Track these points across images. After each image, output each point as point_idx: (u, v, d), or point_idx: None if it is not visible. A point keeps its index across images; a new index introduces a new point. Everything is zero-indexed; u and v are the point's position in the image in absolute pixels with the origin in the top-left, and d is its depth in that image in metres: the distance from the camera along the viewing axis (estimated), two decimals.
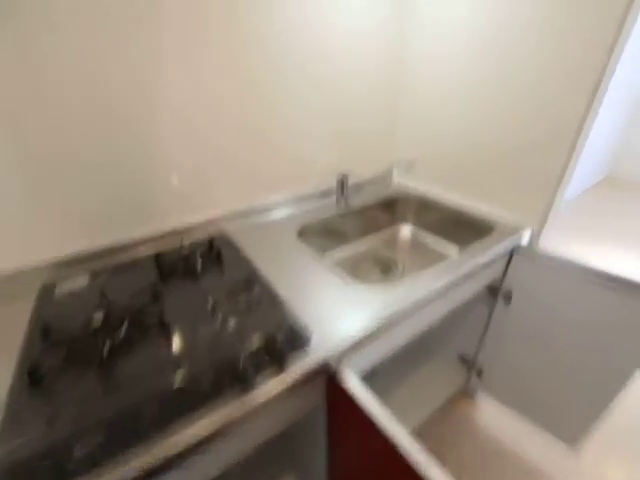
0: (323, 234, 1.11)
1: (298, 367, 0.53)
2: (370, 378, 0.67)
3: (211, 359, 0.52)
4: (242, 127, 0.92)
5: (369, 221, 1.22)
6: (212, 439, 0.45)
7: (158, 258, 0.78)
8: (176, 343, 0.56)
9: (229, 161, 0.94)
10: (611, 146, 1.74)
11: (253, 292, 0.68)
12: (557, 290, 0.94)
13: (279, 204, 1.08)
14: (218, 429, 0.46)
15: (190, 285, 0.73)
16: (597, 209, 1.30)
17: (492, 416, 1.30)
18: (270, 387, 0.50)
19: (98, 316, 0.59)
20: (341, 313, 0.65)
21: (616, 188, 1.65)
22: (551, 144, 0.87)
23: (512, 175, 0.99)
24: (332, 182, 1.15)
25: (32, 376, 0.49)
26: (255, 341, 0.54)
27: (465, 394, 1.37)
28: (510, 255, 1.00)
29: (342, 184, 1.13)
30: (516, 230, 0.96)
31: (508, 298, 1.05)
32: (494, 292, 1.07)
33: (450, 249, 1.14)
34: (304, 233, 1.01)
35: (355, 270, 1.09)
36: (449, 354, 1.34)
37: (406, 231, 1.28)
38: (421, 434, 1.16)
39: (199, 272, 0.76)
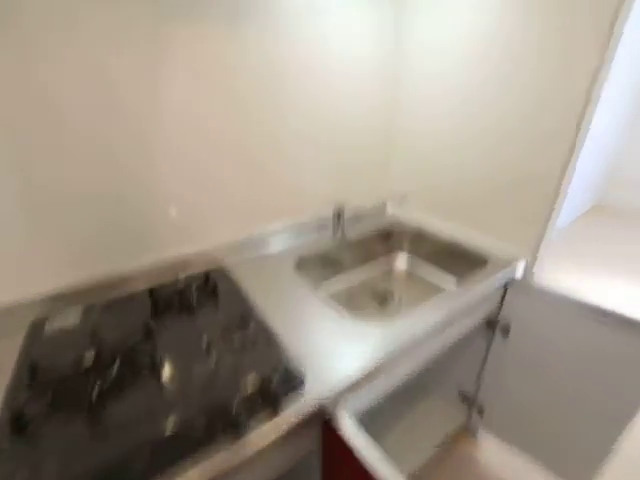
0: (320, 265, 1.11)
1: (293, 411, 0.52)
2: (367, 418, 0.65)
3: (204, 403, 0.50)
4: (240, 160, 0.95)
5: (365, 251, 1.23)
6: None
7: (153, 292, 0.77)
8: (168, 385, 0.55)
9: (227, 192, 0.96)
10: (599, 175, 1.81)
11: (248, 329, 0.67)
12: (554, 323, 0.94)
13: (276, 235, 1.09)
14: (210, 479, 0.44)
15: (185, 321, 0.72)
16: (587, 236, 1.34)
17: (494, 454, 1.25)
18: (264, 433, 0.49)
19: (89, 355, 0.58)
20: (337, 351, 0.64)
21: (605, 215, 1.70)
22: (541, 178, 0.90)
23: (504, 207, 1.02)
24: (329, 213, 1.17)
25: (16, 422, 0.47)
26: (249, 383, 0.53)
27: (466, 432, 1.32)
28: (505, 288, 1.01)
29: (338, 215, 1.15)
30: (510, 262, 0.97)
31: (506, 332, 1.04)
32: (491, 326, 1.06)
33: (446, 280, 1.14)
34: (301, 265, 1.02)
35: (352, 302, 1.08)
36: (448, 390, 1.30)
37: (402, 260, 1.28)
38: (421, 478, 1.11)
39: (194, 307, 0.75)
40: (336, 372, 0.59)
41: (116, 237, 0.82)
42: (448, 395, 1.31)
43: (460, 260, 1.09)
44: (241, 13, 0.82)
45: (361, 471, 0.48)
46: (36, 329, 0.69)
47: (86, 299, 0.78)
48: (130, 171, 0.79)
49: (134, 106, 0.75)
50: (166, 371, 0.57)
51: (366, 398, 0.68)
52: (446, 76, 1.06)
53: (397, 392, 0.75)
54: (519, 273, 0.98)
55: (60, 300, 0.76)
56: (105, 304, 0.77)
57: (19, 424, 0.47)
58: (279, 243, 1.10)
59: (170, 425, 0.47)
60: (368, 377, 0.62)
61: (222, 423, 0.48)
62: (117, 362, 0.56)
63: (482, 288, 0.88)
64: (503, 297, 1.02)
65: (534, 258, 0.97)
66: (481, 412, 1.23)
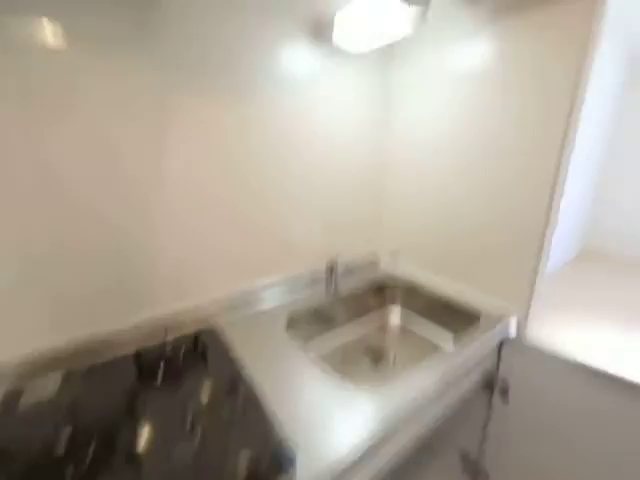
0: (313, 321, 1.09)
1: None
2: None
3: None
4: (234, 219, 0.98)
5: (358, 306, 1.22)
6: None
7: (139, 357, 0.75)
8: (148, 470, 0.51)
9: (220, 249, 0.97)
10: (582, 225, 1.89)
11: (238, 399, 0.64)
12: (551, 383, 0.92)
13: (269, 290, 1.09)
14: None
15: (171, 390, 0.68)
16: (576, 284, 1.39)
17: None
18: None
19: (64, 435, 0.54)
20: (330, 422, 0.61)
21: (592, 261, 1.77)
22: (525, 232, 0.94)
23: (492, 262, 1.04)
24: (321, 267, 1.18)
25: None
26: (236, 466, 0.50)
27: None
28: (500, 347, 0.99)
29: (331, 270, 1.16)
30: (502, 318, 0.97)
31: (505, 393, 1.01)
32: (490, 387, 1.03)
33: (440, 336, 1.12)
34: (293, 322, 1.00)
35: (345, 360, 1.05)
36: (450, 457, 1.22)
37: (395, 315, 1.27)
38: None
39: (182, 373, 0.72)
40: (329, 448, 0.56)
41: (104, 295, 0.81)
42: (450, 462, 1.22)
43: (453, 315, 1.09)
44: (240, 86, 0.90)
45: None
46: (10, 402, 0.65)
47: (68, 363, 0.75)
48: (125, 230, 0.80)
49: (135, 173, 0.79)
50: (147, 453, 0.53)
51: (361, 474, 0.64)
52: (431, 143, 1.15)
53: (394, 463, 0.70)
54: (513, 330, 0.98)
55: (39, 365, 0.73)
56: (87, 369, 0.74)
57: None
58: (271, 299, 1.09)
59: None
60: (362, 455, 0.58)
61: None
62: (93, 444, 0.52)
63: (477, 347, 0.87)
64: (499, 356, 1.01)
65: (526, 314, 0.97)
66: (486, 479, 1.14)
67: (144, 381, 0.70)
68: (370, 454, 0.60)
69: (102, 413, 0.60)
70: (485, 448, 1.12)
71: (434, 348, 1.09)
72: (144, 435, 0.56)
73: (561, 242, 1.57)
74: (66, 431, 0.55)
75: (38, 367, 0.73)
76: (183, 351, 0.78)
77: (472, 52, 0.98)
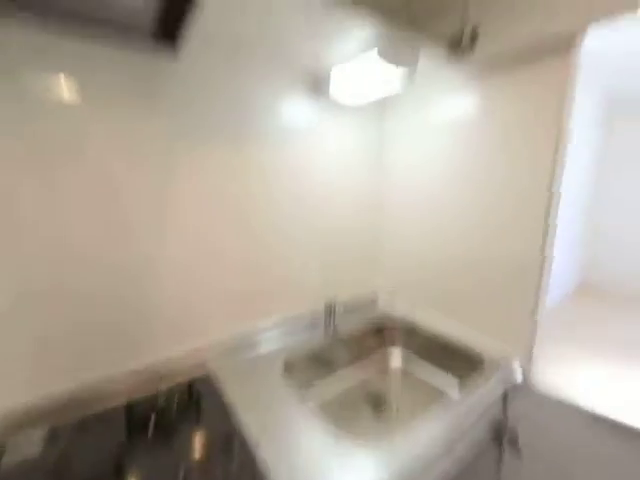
0: (311, 365, 1.06)
1: None
2: None
3: None
4: (233, 260, 0.99)
5: (358, 348, 1.19)
6: None
7: (130, 409, 0.72)
8: None
9: (218, 291, 0.97)
10: (579, 259, 1.91)
11: (232, 458, 0.60)
12: (561, 429, 0.88)
13: (267, 332, 1.07)
14: None
15: (162, 446, 0.65)
16: (576, 320, 1.38)
17: None
18: None
19: None
20: None
21: (590, 295, 1.77)
22: (520, 274, 0.94)
23: (491, 303, 1.03)
24: (320, 308, 1.17)
25: None
26: None
27: None
28: (506, 393, 0.96)
29: (330, 311, 1.15)
30: (506, 362, 0.94)
31: (514, 442, 0.95)
32: (498, 437, 0.98)
33: (443, 380, 1.08)
34: (291, 368, 0.97)
35: (344, 408, 1.01)
36: None
37: (396, 357, 1.24)
38: None
39: (174, 426, 0.69)
40: None
41: (98, 340, 0.79)
42: None
43: (455, 358, 1.06)
44: (243, 135, 0.95)
45: None
46: None
47: (56, 416, 0.72)
48: (122, 273, 0.81)
49: (138, 218, 0.81)
50: None
51: None
52: (425, 186, 1.19)
53: None
54: (518, 375, 0.95)
55: (25, 419, 0.70)
56: (76, 423, 0.71)
57: None
58: (269, 342, 1.07)
59: None
60: None
61: None
62: None
63: (483, 394, 0.84)
64: (505, 404, 0.97)
65: (530, 358, 0.95)
66: None
67: (134, 436, 0.67)
68: None
69: (89, 472, 0.56)
70: None
71: (437, 393, 1.05)
72: None
73: (559, 277, 1.58)
74: None
75: (23, 421, 0.69)
76: (176, 401, 0.75)
77: (458, 104, 1.04)
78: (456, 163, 1.08)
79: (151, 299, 0.85)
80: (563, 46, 0.79)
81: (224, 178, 0.93)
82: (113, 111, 0.74)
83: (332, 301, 1.16)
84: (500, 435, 0.97)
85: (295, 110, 1.04)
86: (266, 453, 0.62)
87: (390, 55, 0.82)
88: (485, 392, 0.85)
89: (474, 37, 0.91)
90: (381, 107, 1.28)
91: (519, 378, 0.95)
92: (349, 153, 1.22)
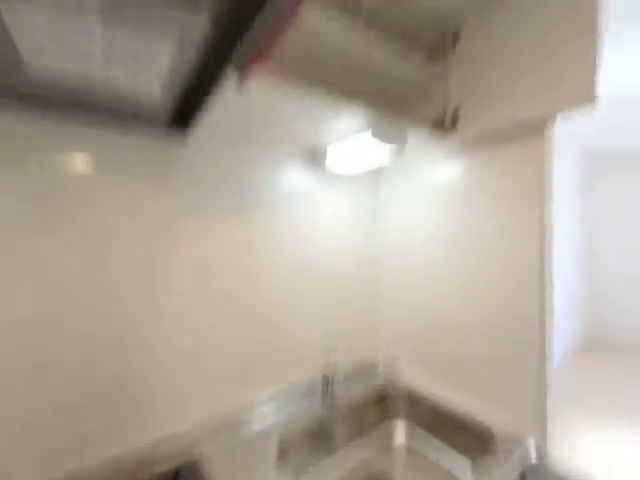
0: (307, 443, 0.98)
1: None
2: None
3: None
4: (230, 335, 0.97)
5: (358, 421, 1.11)
6: None
7: None
8: None
9: (212, 369, 0.93)
10: (580, 317, 1.89)
11: None
12: None
13: (261, 406, 1.00)
14: None
15: None
16: (581, 379, 1.32)
17: None
18: None
19: None
20: None
21: (592, 352, 1.73)
22: (522, 341, 0.92)
23: (495, 371, 0.99)
24: (318, 374, 1.12)
25: None
26: None
27: None
28: (524, 475, 0.87)
29: (328, 380, 1.09)
30: (519, 438, 0.88)
31: None
32: None
33: (451, 459, 0.99)
34: (285, 449, 0.89)
35: None
36: None
37: (400, 432, 1.14)
38: None
39: None
40: None
41: (73, 425, 0.73)
42: None
43: (463, 433, 0.98)
44: (248, 206, 1.00)
45: None
46: None
47: None
48: (106, 350, 0.77)
49: (130, 291, 0.81)
50: None
51: None
52: (420, 251, 1.22)
53: None
54: (532, 454, 0.87)
55: None
56: None
57: None
58: (263, 417, 0.99)
59: None
60: None
61: None
62: None
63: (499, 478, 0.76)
64: None
65: (544, 433, 0.88)
66: None
67: None
68: None
69: None
70: None
71: (448, 477, 0.96)
72: None
73: (561, 335, 1.55)
74: None
75: None
76: None
77: (445, 174, 1.12)
78: (444, 226, 1.13)
79: (137, 378, 0.81)
80: (537, 128, 0.88)
81: (227, 247, 0.96)
82: (124, 190, 0.79)
83: (331, 367, 1.10)
84: None
85: (295, 181, 1.11)
86: None
87: (382, 136, 0.90)
88: (501, 476, 0.77)
89: (455, 119, 1.01)
90: (376, 175, 1.37)
91: (534, 456, 0.88)
92: (346, 218, 1.27)
